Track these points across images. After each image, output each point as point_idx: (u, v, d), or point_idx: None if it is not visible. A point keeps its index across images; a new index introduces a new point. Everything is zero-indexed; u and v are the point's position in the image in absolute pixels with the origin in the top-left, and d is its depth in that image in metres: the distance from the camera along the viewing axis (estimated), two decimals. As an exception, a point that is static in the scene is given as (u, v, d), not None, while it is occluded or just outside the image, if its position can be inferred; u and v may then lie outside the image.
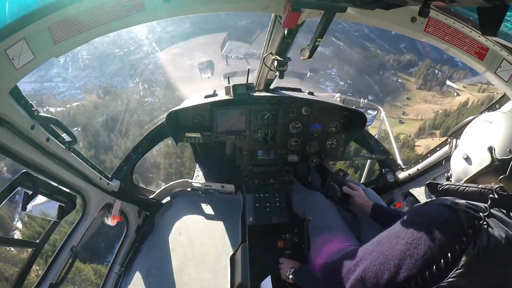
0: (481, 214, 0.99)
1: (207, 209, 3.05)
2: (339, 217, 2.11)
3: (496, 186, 1.04)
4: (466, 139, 1.29)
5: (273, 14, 1.55)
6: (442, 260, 0.99)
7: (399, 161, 3.01)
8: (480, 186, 1.10)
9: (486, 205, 1.01)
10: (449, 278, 0.99)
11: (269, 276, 1.88)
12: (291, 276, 1.69)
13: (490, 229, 0.97)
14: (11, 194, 1.58)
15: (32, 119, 1.48)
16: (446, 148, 2.28)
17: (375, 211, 1.88)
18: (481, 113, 1.94)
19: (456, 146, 1.34)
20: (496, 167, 1.13)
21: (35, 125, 1.51)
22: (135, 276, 2.65)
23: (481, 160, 1.17)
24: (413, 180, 2.74)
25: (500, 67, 1.58)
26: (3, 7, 1.09)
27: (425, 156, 2.52)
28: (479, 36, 1.52)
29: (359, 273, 1.18)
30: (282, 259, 1.93)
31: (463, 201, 1.05)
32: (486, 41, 1.52)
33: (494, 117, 1.22)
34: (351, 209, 2.22)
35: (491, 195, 1.02)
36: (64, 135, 1.79)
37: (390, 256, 1.10)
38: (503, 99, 1.81)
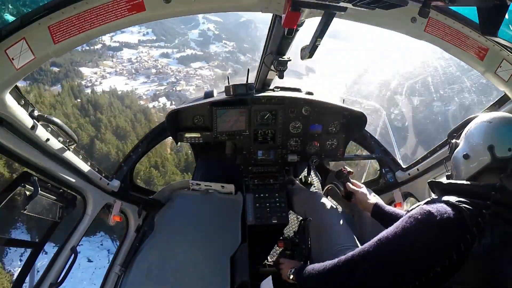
0: (484, 211, 1.00)
1: (207, 209, 3.05)
2: (340, 218, 2.10)
3: (497, 184, 1.05)
4: (466, 139, 1.30)
5: (273, 14, 1.55)
6: (447, 259, 1.00)
7: (399, 161, 3.01)
8: (482, 184, 1.12)
9: (488, 202, 1.02)
10: (455, 276, 0.99)
11: (270, 276, 1.88)
12: (292, 276, 1.69)
13: (493, 227, 0.98)
14: (11, 194, 1.58)
15: (32, 119, 1.49)
16: (446, 148, 2.29)
17: (376, 210, 1.88)
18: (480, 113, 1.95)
19: (456, 146, 1.36)
20: (497, 166, 1.15)
21: (35, 125, 1.51)
22: (135, 276, 2.64)
23: (482, 159, 1.19)
24: (413, 180, 2.73)
25: (500, 67, 1.58)
26: (3, 7, 1.09)
27: (425, 157, 2.52)
28: (479, 36, 1.52)
29: (361, 273, 1.17)
30: (283, 259, 1.92)
31: (466, 199, 1.06)
32: (486, 41, 1.52)
33: (493, 117, 1.24)
34: (352, 210, 2.22)
35: (493, 192, 1.03)
36: (64, 135, 1.79)
37: (394, 256, 1.10)
38: (503, 99, 1.81)
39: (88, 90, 52.90)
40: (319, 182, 3.26)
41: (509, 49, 1.51)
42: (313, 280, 1.47)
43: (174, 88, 61.22)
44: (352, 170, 2.28)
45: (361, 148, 3.31)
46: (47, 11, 1.12)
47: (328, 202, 2.32)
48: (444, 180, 1.27)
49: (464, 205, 1.03)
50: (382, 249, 1.15)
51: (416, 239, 1.06)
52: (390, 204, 3.00)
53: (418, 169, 2.61)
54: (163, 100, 59.23)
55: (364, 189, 2.08)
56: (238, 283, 2.30)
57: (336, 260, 1.33)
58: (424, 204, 1.15)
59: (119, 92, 53.57)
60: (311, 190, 2.74)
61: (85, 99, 47.79)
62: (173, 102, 57.50)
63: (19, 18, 1.10)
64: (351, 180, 2.18)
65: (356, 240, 1.91)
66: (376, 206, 1.88)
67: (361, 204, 2.00)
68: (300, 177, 3.22)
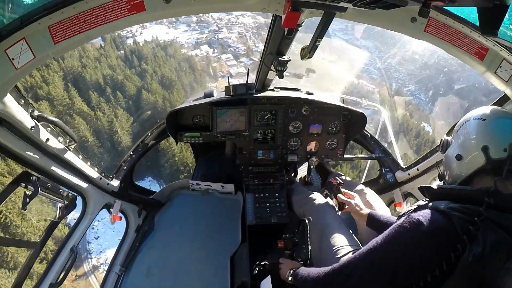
0: (476, 219, 0.96)
1: (207, 209, 3.05)
2: (339, 218, 2.10)
3: (491, 189, 1.01)
4: (458, 138, 1.23)
5: (273, 14, 1.55)
6: (437, 269, 0.97)
7: (399, 161, 3.01)
8: (474, 188, 1.07)
9: (481, 208, 0.97)
10: (445, 284, 0.97)
11: (269, 276, 1.88)
12: (290, 278, 1.69)
13: (485, 234, 0.94)
14: (11, 194, 1.58)
15: (32, 119, 1.49)
16: None
17: (370, 221, 1.86)
18: None
19: (448, 145, 1.29)
20: (491, 168, 1.09)
21: (35, 125, 1.51)
22: (135, 276, 2.65)
23: (475, 161, 1.12)
24: (413, 180, 2.73)
25: (500, 67, 1.58)
26: (3, 7, 1.09)
27: (425, 156, 2.51)
28: (479, 36, 1.51)
29: (354, 282, 1.17)
30: (282, 259, 1.92)
31: (456, 205, 1.02)
32: (486, 41, 1.52)
33: (487, 113, 1.15)
34: None
35: (486, 199, 0.98)
36: (64, 135, 1.79)
37: (385, 265, 1.08)
38: (503, 99, 1.81)
39: (130, 41, 52.32)
40: (319, 182, 3.26)
41: (509, 49, 1.51)
42: (308, 286, 1.47)
43: (216, 36, 60.35)
44: (342, 182, 2.24)
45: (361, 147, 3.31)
46: (47, 11, 1.12)
47: (327, 202, 2.31)
48: (435, 184, 1.23)
49: (455, 212, 0.99)
50: (373, 258, 1.13)
51: (405, 249, 1.04)
52: (390, 204, 3.00)
53: (418, 169, 2.61)
54: (205, 48, 58.41)
55: (357, 199, 2.04)
56: (238, 283, 2.30)
57: (330, 268, 1.31)
58: (413, 211, 1.11)
59: (161, 42, 53.56)
60: (310, 190, 2.74)
61: (128, 50, 47.99)
62: (215, 50, 57.57)
63: (19, 18, 1.10)
64: (343, 190, 2.17)
65: (356, 239, 1.91)
66: (370, 217, 1.85)
67: (355, 215, 1.98)
68: (300, 177, 3.22)
